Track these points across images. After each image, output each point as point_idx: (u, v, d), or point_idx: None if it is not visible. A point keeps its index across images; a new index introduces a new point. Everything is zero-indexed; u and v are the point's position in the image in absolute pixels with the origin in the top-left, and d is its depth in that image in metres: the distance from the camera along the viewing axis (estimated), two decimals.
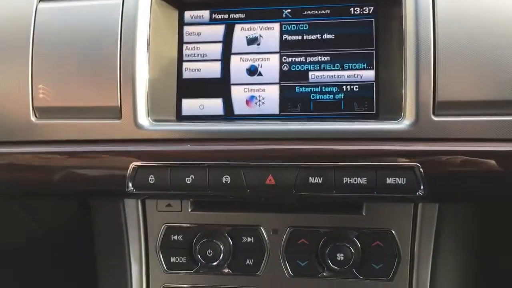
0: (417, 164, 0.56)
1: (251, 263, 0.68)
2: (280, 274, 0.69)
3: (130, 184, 0.60)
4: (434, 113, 0.56)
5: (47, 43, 0.62)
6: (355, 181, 0.57)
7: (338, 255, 0.65)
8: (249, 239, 0.68)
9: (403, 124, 0.57)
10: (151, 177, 0.60)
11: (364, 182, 0.57)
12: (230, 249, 0.68)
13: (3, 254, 0.76)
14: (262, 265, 0.68)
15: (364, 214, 0.66)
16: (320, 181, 0.58)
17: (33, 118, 0.63)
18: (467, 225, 0.69)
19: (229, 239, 0.68)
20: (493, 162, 0.56)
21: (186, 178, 0.60)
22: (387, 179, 0.57)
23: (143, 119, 0.61)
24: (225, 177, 0.59)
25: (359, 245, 0.66)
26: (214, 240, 0.67)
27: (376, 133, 0.57)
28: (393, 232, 0.66)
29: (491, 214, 0.70)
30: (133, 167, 0.60)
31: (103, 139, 0.61)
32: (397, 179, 0.57)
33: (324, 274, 0.67)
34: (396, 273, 0.66)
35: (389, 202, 0.65)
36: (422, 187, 0.56)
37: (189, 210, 0.69)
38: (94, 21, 0.62)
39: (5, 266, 0.76)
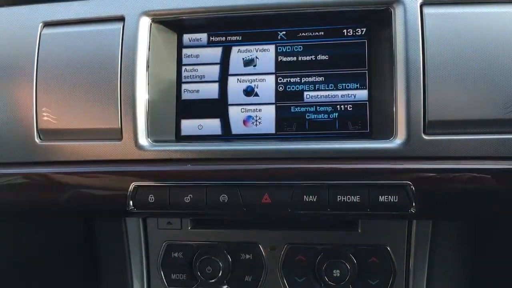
0: (409, 182, 0.57)
1: (249, 280, 0.69)
2: None
3: (131, 203, 0.62)
4: (424, 132, 0.57)
5: (51, 67, 0.65)
6: (348, 199, 0.59)
7: (334, 271, 0.66)
8: (247, 256, 0.70)
9: (394, 143, 0.58)
10: (151, 196, 0.62)
11: (357, 200, 0.58)
12: (229, 266, 0.69)
13: (3, 271, 0.78)
14: (260, 281, 0.69)
15: (359, 230, 0.68)
16: (314, 200, 0.59)
17: (37, 140, 0.65)
18: (461, 241, 0.70)
19: (228, 256, 0.70)
20: (484, 179, 0.57)
21: (185, 198, 0.61)
22: (380, 197, 0.58)
23: (143, 140, 0.63)
24: (223, 196, 0.61)
25: (355, 261, 0.67)
26: (214, 257, 0.68)
27: (369, 152, 0.59)
28: (388, 248, 0.67)
29: (485, 230, 0.71)
30: (134, 187, 0.62)
31: (105, 160, 0.63)
32: (389, 197, 0.58)
33: None
34: None
35: (383, 219, 0.66)
36: (414, 204, 0.57)
37: (189, 228, 0.71)
38: (95, 45, 0.64)
39: (5, 284, 0.78)
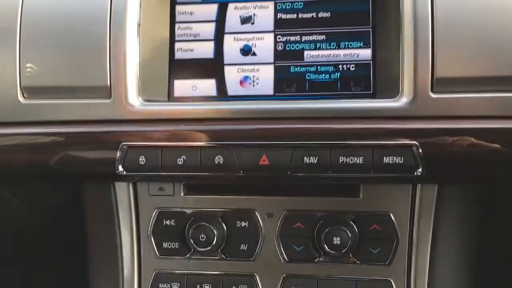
0: (415, 143, 0.55)
1: (245, 248, 0.67)
2: (275, 259, 0.67)
3: (120, 166, 0.59)
4: (432, 90, 0.55)
5: (35, 22, 0.61)
6: (351, 160, 0.56)
7: (334, 239, 0.63)
8: (243, 224, 0.67)
9: (400, 102, 0.55)
10: (142, 158, 0.59)
11: (360, 162, 0.56)
12: (224, 234, 0.66)
13: None
14: (256, 250, 0.66)
15: (361, 197, 0.65)
16: (315, 161, 0.56)
17: (21, 98, 0.61)
18: (468, 207, 0.67)
19: (223, 223, 0.67)
20: (493, 140, 0.54)
21: (178, 159, 0.58)
22: (384, 158, 0.55)
23: (134, 98, 0.59)
24: (218, 158, 0.58)
25: (356, 228, 0.64)
26: (207, 225, 0.65)
27: (373, 111, 0.56)
28: (391, 215, 0.64)
29: (493, 195, 0.68)
30: (123, 148, 0.59)
31: (92, 120, 0.60)
32: (394, 158, 0.55)
33: (321, 259, 0.66)
34: (394, 257, 0.65)
35: (386, 184, 0.63)
36: (420, 166, 0.55)
37: (182, 194, 0.67)
38: (82, 1, 0.61)
39: None
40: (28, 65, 0.60)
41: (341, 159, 0.56)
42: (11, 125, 0.62)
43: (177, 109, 0.60)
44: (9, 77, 0.61)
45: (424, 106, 0.55)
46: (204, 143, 0.58)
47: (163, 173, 0.59)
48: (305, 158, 0.56)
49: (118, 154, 0.59)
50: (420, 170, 0.55)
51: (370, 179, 0.57)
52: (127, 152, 0.59)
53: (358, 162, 0.56)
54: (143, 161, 0.59)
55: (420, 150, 0.54)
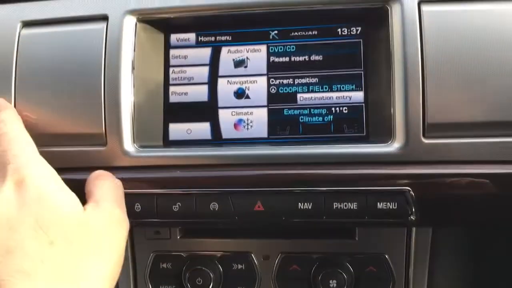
0: (408, 188, 0.55)
1: None
2: None
3: None
4: (424, 135, 0.55)
5: (30, 69, 0.61)
6: (345, 206, 0.56)
7: (331, 281, 0.63)
8: (239, 266, 0.67)
9: (392, 147, 0.56)
10: (137, 205, 0.59)
11: (354, 207, 0.56)
12: (221, 277, 0.66)
13: None
14: None
15: (357, 238, 0.65)
16: (309, 207, 0.56)
17: None
18: (462, 248, 0.68)
19: (219, 266, 0.67)
20: (486, 184, 0.55)
21: (173, 206, 0.58)
22: (378, 203, 0.55)
23: (129, 145, 0.60)
24: (213, 204, 0.58)
25: (352, 270, 0.64)
26: (204, 268, 0.65)
27: (366, 156, 0.56)
28: (387, 256, 0.64)
29: (487, 237, 0.68)
30: None
31: (88, 167, 0.60)
32: (388, 203, 0.55)
33: None
34: None
35: (381, 227, 0.63)
36: (413, 211, 0.55)
37: (178, 237, 0.68)
38: (77, 46, 0.61)
39: None
40: (24, 114, 0.61)
41: (335, 204, 0.56)
42: None
43: (172, 155, 0.60)
44: None
45: (416, 151, 0.55)
46: (199, 190, 0.58)
47: (159, 220, 0.59)
48: (299, 204, 0.57)
49: None
50: (413, 215, 0.55)
51: (365, 223, 0.57)
52: None
53: (352, 207, 0.56)
54: (139, 208, 0.59)
55: (413, 195, 0.55)
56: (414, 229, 0.64)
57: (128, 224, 0.56)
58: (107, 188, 0.57)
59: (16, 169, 0.51)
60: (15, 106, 0.61)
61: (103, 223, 0.52)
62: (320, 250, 0.65)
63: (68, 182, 0.60)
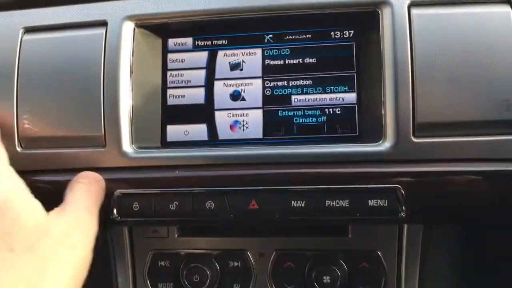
0: (399, 186, 0.56)
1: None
2: None
3: (115, 211, 0.61)
4: (414, 135, 0.56)
5: (32, 74, 0.63)
6: (337, 203, 0.58)
7: (324, 277, 0.65)
8: (235, 264, 0.68)
9: (383, 146, 0.57)
10: (136, 204, 0.60)
11: (346, 205, 0.57)
12: (217, 274, 0.68)
13: None
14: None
15: (350, 236, 0.67)
16: (303, 205, 0.58)
17: (18, 149, 0.63)
18: (453, 245, 0.69)
19: (216, 263, 0.68)
20: (475, 182, 0.56)
21: (170, 205, 0.60)
22: (369, 201, 0.57)
23: (127, 147, 0.61)
24: (209, 203, 0.60)
25: (345, 266, 0.66)
26: (201, 265, 0.67)
27: (357, 155, 0.58)
28: (379, 253, 0.66)
29: (478, 235, 0.70)
30: (118, 195, 0.61)
31: (88, 167, 0.62)
32: (379, 201, 0.57)
33: None
34: None
35: (373, 224, 0.65)
36: (403, 208, 0.56)
37: (176, 235, 0.69)
38: (77, 51, 0.63)
39: None
40: (25, 117, 0.63)
41: (328, 202, 0.58)
42: None
43: (170, 156, 0.61)
44: (8, 129, 0.63)
45: (406, 150, 0.57)
46: (195, 189, 0.60)
47: (156, 219, 0.60)
48: (292, 202, 0.58)
49: (113, 200, 0.61)
50: (403, 212, 0.57)
51: (357, 220, 0.59)
52: (121, 198, 0.61)
53: (344, 205, 0.57)
54: (137, 207, 0.60)
55: (403, 193, 0.56)
56: (405, 226, 0.65)
57: (94, 228, 0.57)
58: (78, 192, 0.58)
59: None
60: (17, 109, 0.63)
61: (64, 228, 0.53)
62: (314, 248, 0.67)
63: (66, 184, 0.62)
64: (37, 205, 0.53)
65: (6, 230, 0.49)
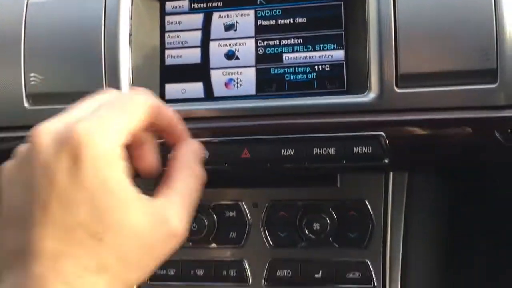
0: (382, 133, 0.60)
1: (234, 236, 0.72)
2: (261, 245, 0.72)
3: None
4: (397, 86, 0.60)
5: (37, 35, 0.67)
6: (324, 151, 0.61)
7: (314, 225, 0.68)
8: (231, 214, 0.72)
9: (368, 97, 0.61)
10: None
11: (333, 152, 0.61)
12: (215, 223, 0.72)
13: None
14: (244, 237, 0.72)
15: (338, 186, 0.70)
16: (292, 153, 0.62)
17: (26, 105, 0.68)
18: (436, 192, 0.72)
19: (213, 214, 0.72)
20: (454, 129, 0.59)
21: (168, 155, 0.64)
22: (354, 148, 0.60)
23: None
24: (204, 152, 0.64)
25: (334, 215, 0.69)
26: (199, 215, 0.71)
27: (343, 106, 0.61)
28: (366, 202, 0.69)
29: (460, 183, 0.73)
30: None
31: None
32: (363, 147, 0.60)
33: (303, 244, 0.71)
34: (370, 241, 0.69)
35: (360, 172, 0.68)
36: (387, 155, 0.60)
37: None
38: (79, 14, 0.67)
39: None
40: (32, 74, 0.67)
41: (315, 150, 0.61)
42: (19, 129, 0.68)
43: None
44: (16, 86, 0.68)
45: (390, 100, 0.60)
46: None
47: None
48: (282, 150, 0.62)
49: None
50: (387, 158, 0.60)
51: (344, 168, 0.62)
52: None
53: (331, 152, 0.61)
54: None
55: (387, 140, 0.60)
56: (391, 175, 0.68)
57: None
58: (192, 185, 0.50)
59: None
60: (24, 67, 0.67)
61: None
62: (305, 197, 0.70)
63: None
64: None
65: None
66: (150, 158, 0.51)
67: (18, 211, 0.43)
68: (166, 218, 0.45)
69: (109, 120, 0.44)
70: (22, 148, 0.46)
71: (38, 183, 0.42)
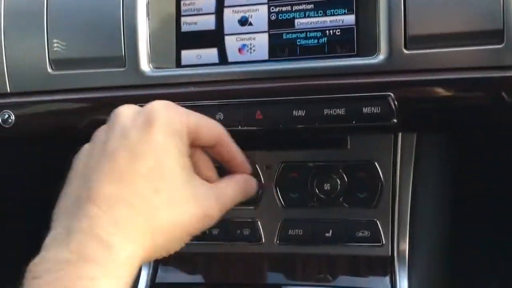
0: (390, 93, 0.61)
1: None
2: (274, 206, 0.75)
3: None
4: (405, 47, 0.61)
5: (60, 3, 0.71)
6: (334, 112, 0.63)
7: (325, 185, 0.71)
8: None
9: (377, 59, 0.62)
10: None
11: (342, 113, 0.63)
12: None
13: None
14: (257, 198, 0.74)
15: (349, 147, 0.72)
16: (303, 114, 0.64)
17: (50, 70, 0.71)
18: (444, 152, 0.74)
19: None
20: (460, 89, 0.61)
21: None
22: (364, 108, 0.62)
23: (145, 66, 0.68)
24: (219, 114, 0.66)
25: (344, 176, 0.72)
26: None
27: (353, 68, 0.63)
28: (376, 163, 0.71)
29: (467, 142, 0.74)
30: None
31: (111, 86, 0.69)
32: (372, 108, 0.62)
33: (314, 204, 0.73)
34: (379, 201, 0.72)
35: (368, 133, 0.70)
36: (395, 114, 0.62)
37: None
38: None
39: None
40: (55, 41, 0.70)
41: (326, 111, 0.63)
42: (43, 93, 0.72)
43: (183, 73, 0.68)
44: (40, 52, 0.71)
45: (398, 61, 0.61)
46: (206, 102, 0.66)
47: None
48: (294, 111, 0.64)
49: None
50: (395, 118, 0.62)
51: (353, 129, 0.64)
52: None
53: (340, 113, 0.63)
54: None
55: (395, 100, 0.61)
56: (399, 136, 0.70)
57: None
58: (236, 194, 0.58)
59: None
60: (47, 34, 0.71)
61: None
62: (317, 159, 0.73)
63: (95, 100, 0.69)
64: None
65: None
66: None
67: (86, 163, 0.50)
68: (209, 198, 0.53)
69: (181, 111, 0.54)
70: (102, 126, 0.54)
71: (113, 137, 0.50)
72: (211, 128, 0.58)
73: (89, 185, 0.46)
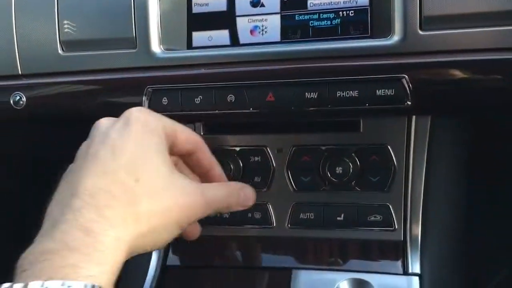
0: (404, 75, 0.60)
1: (259, 180, 0.74)
2: (285, 189, 0.74)
3: (146, 106, 0.68)
4: (421, 28, 0.60)
5: None
6: (347, 94, 0.62)
7: (337, 169, 0.70)
8: (256, 159, 0.74)
9: (392, 40, 0.61)
10: (164, 99, 0.67)
11: (356, 95, 0.62)
12: (240, 168, 0.74)
13: None
14: (268, 181, 0.74)
15: (361, 131, 0.71)
16: (315, 96, 0.63)
17: (60, 52, 0.71)
18: (459, 136, 0.73)
19: (239, 159, 0.75)
20: (476, 71, 0.59)
21: (195, 99, 0.66)
22: (377, 91, 0.61)
23: (156, 47, 0.68)
24: (230, 96, 0.66)
25: (357, 159, 0.71)
26: (225, 160, 0.73)
27: (367, 49, 0.62)
28: (389, 147, 0.70)
29: (484, 128, 0.73)
30: (149, 90, 0.68)
31: (122, 68, 0.69)
32: (386, 90, 0.61)
33: (326, 187, 0.73)
34: (392, 184, 0.71)
35: (382, 116, 0.69)
36: (409, 97, 0.61)
37: (201, 133, 0.76)
38: None
39: None
40: (65, 22, 0.70)
41: (338, 93, 0.62)
42: (54, 75, 0.72)
43: (194, 55, 0.67)
44: (50, 34, 0.71)
45: (413, 43, 0.60)
46: (217, 83, 0.66)
47: (182, 112, 0.67)
48: (306, 93, 0.63)
49: (144, 96, 0.68)
50: (409, 100, 0.61)
51: (366, 111, 0.63)
52: (152, 94, 0.68)
53: (353, 95, 0.62)
54: (166, 101, 0.67)
55: (409, 82, 0.60)
56: (413, 119, 0.69)
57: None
58: (227, 195, 0.62)
59: None
60: (58, 15, 0.70)
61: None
62: (328, 142, 0.72)
63: (106, 81, 0.69)
64: None
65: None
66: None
67: (73, 167, 0.55)
68: (193, 190, 0.56)
69: (157, 115, 0.59)
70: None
71: (95, 140, 0.55)
72: (189, 133, 0.62)
73: (75, 184, 0.50)
